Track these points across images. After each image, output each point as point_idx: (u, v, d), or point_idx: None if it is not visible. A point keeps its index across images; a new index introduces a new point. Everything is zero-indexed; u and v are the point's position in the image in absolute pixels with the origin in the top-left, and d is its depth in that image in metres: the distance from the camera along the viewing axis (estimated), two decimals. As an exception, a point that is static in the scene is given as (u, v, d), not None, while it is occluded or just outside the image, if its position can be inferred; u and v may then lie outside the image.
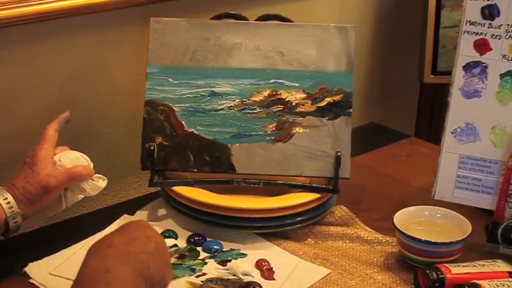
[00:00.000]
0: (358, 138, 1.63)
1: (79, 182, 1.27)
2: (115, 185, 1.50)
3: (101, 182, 1.30)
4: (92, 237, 1.28)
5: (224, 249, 1.26)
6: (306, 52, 1.37)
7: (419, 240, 1.20)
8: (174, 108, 1.35)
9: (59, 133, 1.29)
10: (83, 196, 1.30)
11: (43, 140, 1.27)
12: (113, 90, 1.47)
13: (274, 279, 1.19)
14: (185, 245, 1.28)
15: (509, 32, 1.29)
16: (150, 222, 1.31)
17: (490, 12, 1.29)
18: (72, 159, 1.27)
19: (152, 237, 0.95)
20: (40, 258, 1.22)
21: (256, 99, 1.36)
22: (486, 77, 1.30)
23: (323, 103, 1.36)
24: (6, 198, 1.19)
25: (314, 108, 1.35)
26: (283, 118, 1.35)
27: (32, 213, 1.23)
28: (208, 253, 1.25)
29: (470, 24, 1.30)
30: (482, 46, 1.30)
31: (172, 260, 1.22)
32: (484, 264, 1.17)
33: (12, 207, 1.19)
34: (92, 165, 1.29)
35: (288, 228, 1.31)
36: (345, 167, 1.33)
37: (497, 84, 1.30)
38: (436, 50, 1.73)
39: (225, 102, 1.36)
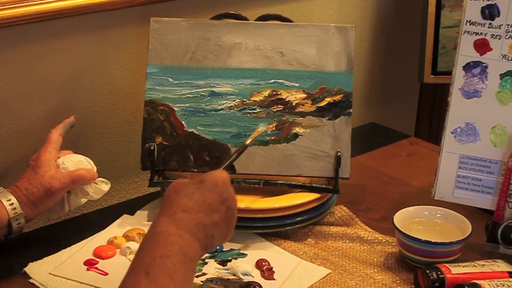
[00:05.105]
0: (358, 138, 1.63)
1: (82, 185, 1.27)
2: (115, 185, 1.50)
3: (104, 186, 1.30)
4: (91, 237, 1.29)
5: (224, 249, 1.26)
6: (306, 52, 1.37)
7: (419, 240, 1.20)
8: (174, 108, 1.35)
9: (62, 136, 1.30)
10: (86, 200, 1.31)
11: (47, 143, 1.27)
12: (113, 90, 1.47)
13: (274, 279, 1.19)
14: (185, 245, 1.28)
15: (509, 32, 1.29)
16: (150, 223, 1.34)
17: (490, 12, 1.29)
18: (75, 162, 1.28)
19: (225, 200, 0.99)
20: (40, 258, 1.22)
21: (256, 99, 1.36)
22: (486, 77, 1.30)
23: (323, 103, 1.36)
24: (10, 200, 1.20)
25: (314, 108, 1.35)
26: (283, 118, 1.35)
27: (35, 215, 1.24)
28: (208, 253, 1.25)
29: (470, 24, 1.30)
30: (482, 46, 1.30)
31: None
32: (484, 264, 1.17)
33: (15, 208, 1.20)
34: (95, 168, 1.30)
35: (288, 228, 1.31)
36: (345, 167, 1.33)
37: (497, 84, 1.30)
38: (436, 50, 1.73)
39: (225, 102, 1.36)
